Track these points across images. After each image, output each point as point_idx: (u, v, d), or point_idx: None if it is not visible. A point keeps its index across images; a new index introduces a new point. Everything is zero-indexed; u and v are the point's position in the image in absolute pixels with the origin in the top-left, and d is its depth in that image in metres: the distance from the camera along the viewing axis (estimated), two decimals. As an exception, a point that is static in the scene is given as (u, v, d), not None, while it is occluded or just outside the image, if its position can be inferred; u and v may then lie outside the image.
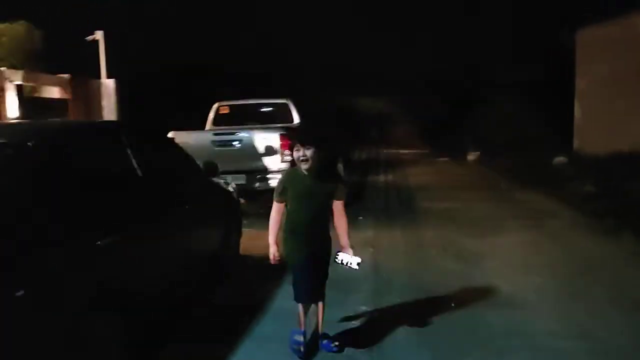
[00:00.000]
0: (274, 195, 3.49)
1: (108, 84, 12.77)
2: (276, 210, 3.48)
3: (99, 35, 13.24)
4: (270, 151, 7.72)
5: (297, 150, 3.33)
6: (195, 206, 4.48)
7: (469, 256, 5.80)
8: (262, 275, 4.85)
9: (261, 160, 7.73)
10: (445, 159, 17.08)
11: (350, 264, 3.44)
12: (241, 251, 5.60)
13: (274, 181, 7.68)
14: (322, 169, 3.40)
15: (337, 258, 3.47)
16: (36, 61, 12.83)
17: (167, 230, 3.90)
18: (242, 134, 7.87)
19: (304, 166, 3.34)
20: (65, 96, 11.76)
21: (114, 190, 3.47)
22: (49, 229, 2.73)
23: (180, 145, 8.15)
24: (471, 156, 16.60)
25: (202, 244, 4.66)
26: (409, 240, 6.65)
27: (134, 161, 3.73)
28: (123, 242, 3.19)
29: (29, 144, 3.04)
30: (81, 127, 4.18)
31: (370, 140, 22.51)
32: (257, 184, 7.72)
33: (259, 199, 8.82)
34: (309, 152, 3.30)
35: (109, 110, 12.59)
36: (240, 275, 5.24)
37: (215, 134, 8.02)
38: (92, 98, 12.39)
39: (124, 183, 3.64)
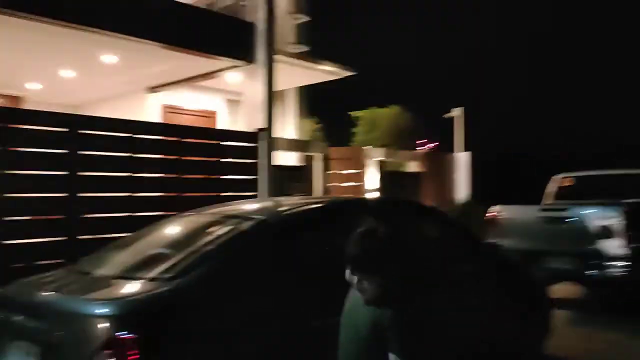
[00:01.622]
0: None
1: (461, 157, 13.10)
2: None
3: (457, 112, 13.87)
4: (608, 232, 6.36)
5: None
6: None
7: None
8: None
9: (596, 243, 6.43)
10: None
11: None
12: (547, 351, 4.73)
13: (611, 269, 6.31)
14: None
15: None
16: (403, 139, 14.37)
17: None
18: (574, 210, 6.75)
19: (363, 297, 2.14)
20: (420, 169, 12.63)
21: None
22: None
23: (506, 220, 7.64)
24: None
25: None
26: None
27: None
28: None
29: (264, 218, 3.33)
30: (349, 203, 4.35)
31: None
32: (588, 271, 6.44)
33: (594, 291, 7.38)
34: (363, 281, 2.08)
35: (461, 182, 12.85)
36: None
37: (543, 209, 7.13)
38: (444, 171, 12.89)
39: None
